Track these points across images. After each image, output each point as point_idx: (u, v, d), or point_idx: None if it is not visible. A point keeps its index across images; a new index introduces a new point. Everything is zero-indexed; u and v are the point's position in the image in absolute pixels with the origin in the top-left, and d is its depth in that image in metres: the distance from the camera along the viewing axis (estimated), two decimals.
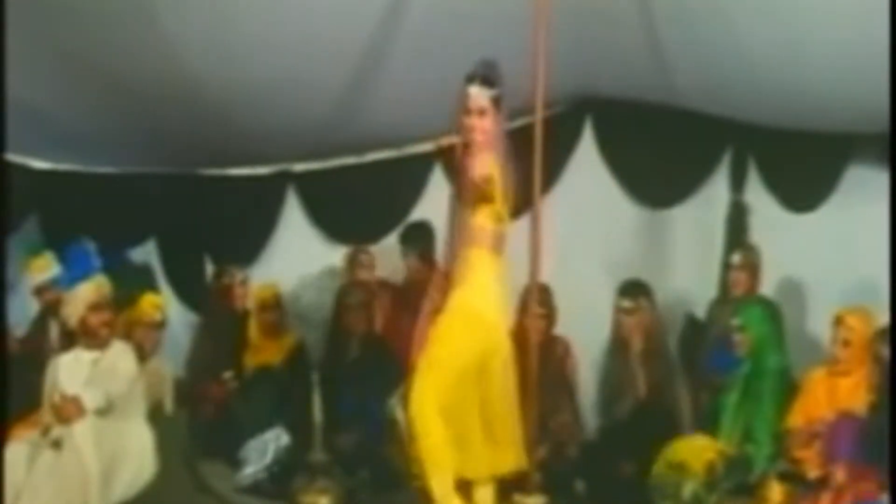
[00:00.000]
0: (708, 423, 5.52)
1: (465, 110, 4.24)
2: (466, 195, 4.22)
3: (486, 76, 4.24)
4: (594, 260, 6.41)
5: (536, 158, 4.75)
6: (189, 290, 7.31)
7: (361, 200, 6.97)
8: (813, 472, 5.01)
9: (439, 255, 4.72)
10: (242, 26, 5.26)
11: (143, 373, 5.45)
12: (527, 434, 4.47)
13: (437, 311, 4.26)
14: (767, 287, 5.94)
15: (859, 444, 4.92)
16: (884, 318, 5.29)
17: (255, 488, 5.77)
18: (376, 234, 7.01)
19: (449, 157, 4.65)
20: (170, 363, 6.07)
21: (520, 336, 4.73)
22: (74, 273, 5.53)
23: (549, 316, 5.99)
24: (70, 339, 5.41)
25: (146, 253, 7.41)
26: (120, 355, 5.33)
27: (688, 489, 5.08)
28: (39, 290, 6.07)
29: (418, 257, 6.43)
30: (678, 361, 6.14)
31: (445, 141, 4.62)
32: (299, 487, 5.50)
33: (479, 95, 4.22)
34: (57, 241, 6.36)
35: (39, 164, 7.01)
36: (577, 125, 6.62)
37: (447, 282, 4.30)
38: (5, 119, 5.31)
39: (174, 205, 7.22)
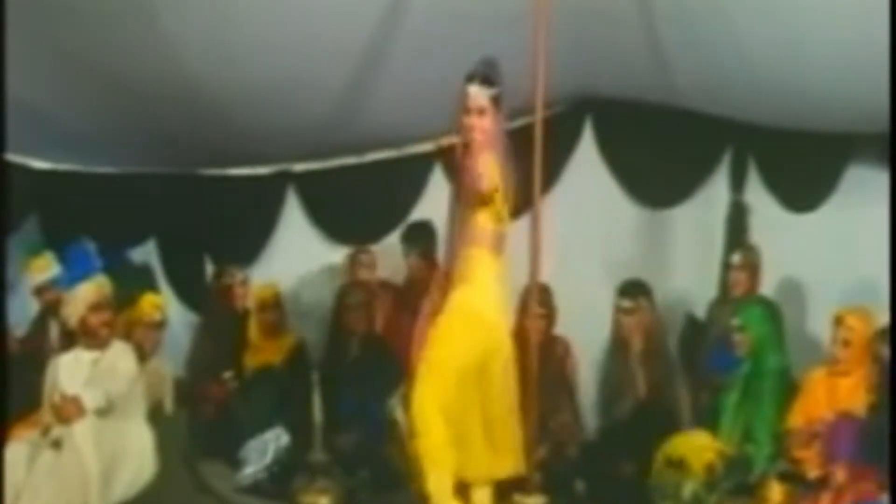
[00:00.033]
0: (708, 423, 5.51)
1: (465, 109, 4.24)
2: (467, 197, 4.22)
3: (486, 75, 4.24)
4: (594, 260, 6.40)
5: (536, 158, 4.75)
6: (189, 290, 7.31)
7: (361, 200, 6.97)
8: (813, 472, 5.01)
9: (441, 255, 4.72)
10: (242, 26, 5.26)
11: (143, 373, 5.45)
12: (527, 434, 4.47)
13: (438, 311, 4.26)
14: (767, 287, 5.94)
15: (859, 444, 4.92)
16: (884, 318, 5.29)
17: (255, 488, 5.76)
18: (376, 234, 7.00)
19: (449, 157, 4.65)
20: (170, 363, 6.06)
21: (520, 336, 4.73)
22: (74, 273, 5.53)
23: (549, 316, 5.99)
24: (70, 339, 5.41)
25: (146, 253, 7.40)
26: (120, 355, 5.33)
27: (688, 489, 5.08)
28: (39, 290, 6.07)
29: (420, 256, 6.42)
30: (678, 361, 6.14)
31: (445, 141, 4.63)
32: (299, 487, 5.50)
33: (478, 95, 4.22)
34: (57, 241, 6.36)
35: (39, 164, 7.01)
36: (577, 125, 6.62)
37: (448, 282, 4.30)
38: (5, 119, 5.31)
39: (174, 205, 7.22)
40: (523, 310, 5.30)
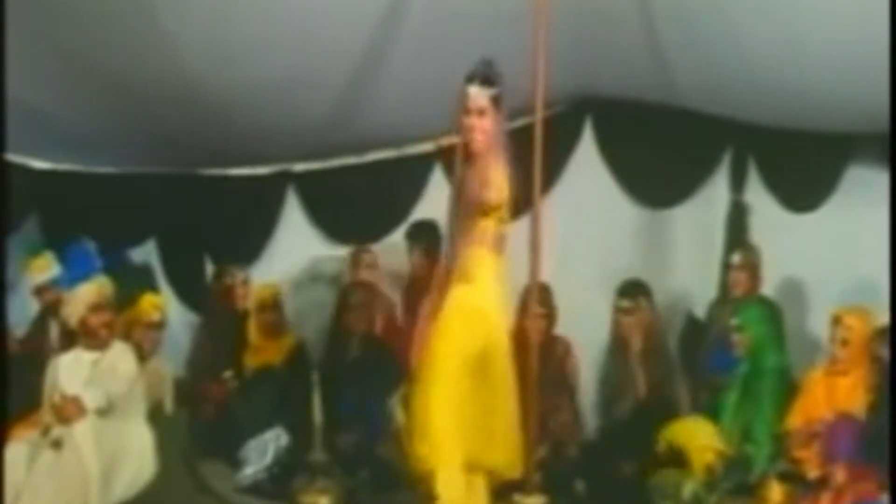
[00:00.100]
0: None
1: (465, 110, 4.23)
2: (470, 202, 4.21)
3: (486, 76, 4.23)
4: (594, 260, 6.40)
5: (536, 158, 4.74)
6: (189, 290, 7.31)
7: (361, 200, 6.97)
8: (813, 473, 5.01)
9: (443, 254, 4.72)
10: (242, 26, 5.26)
11: (143, 373, 5.46)
12: (527, 434, 4.46)
13: (438, 310, 4.26)
14: (767, 287, 5.94)
15: (858, 444, 4.92)
16: (884, 318, 5.29)
17: (255, 488, 5.77)
18: (376, 234, 7.01)
19: (449, 157, 4.64)
20: (170, 363, 6.06)
21: (520, 336, 4.73)
22: (75, 273, 5.54)
23: (550, 316, 5.99)
24: (70, 340, 5.41)
25: (146, 253, 7.41)
26: (120, 355, 5.33)
27: (688, 489, 5.08)
28: (39, 290, 6.07)
29: (423, 255, 6.42)
30: (678, 361, 6.14)
31: (445, 141, 4.63)
32: (299, 487, 5.50)
33: (478, 95, 4.22)
34: (57, 241, 6.37)
35: (39, 164, 7.01)
36: (577, 125, 6.62)
37: (448, 281, 4.30)
38: (5, 119, 5.31)
39: (174, 205, 7.22)
40: (523, 310, 5.30)
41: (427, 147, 6.73)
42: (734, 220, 6.28)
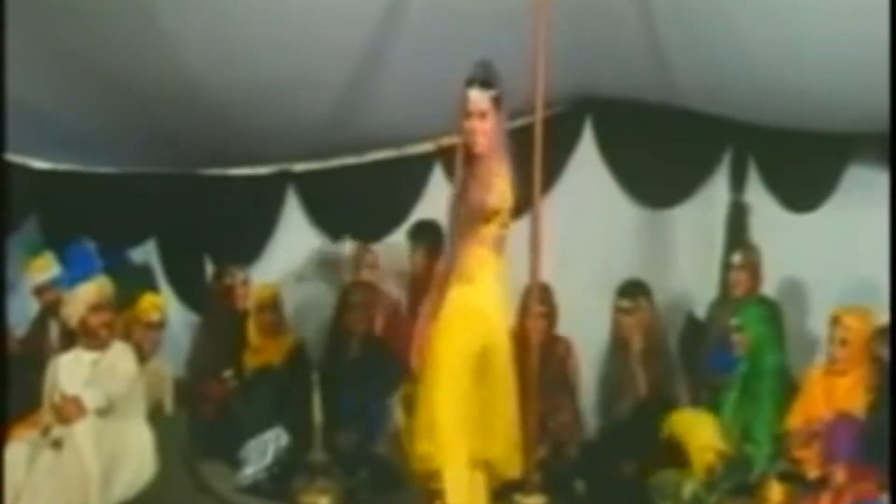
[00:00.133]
0: None
1: (466, 114, 4.22)
2: (471, 205, 4.20)
3: (485, 78, 4.22)
4: (594, 260, 6.40)
5: (536, 158, 4.74)
6: (189, 290, 7.31)
7: (361, 200, 6.97)
8: (813, 472, 5.01)
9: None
10: (242, 26, 5.26)
11: (143, 373, 5.46)
12: (527, 434, 4.46)
13: (438, 310, 4.26)
14: (767, 287, 5.94)
15: (858, 444, 4.92)
16: (883, 318, 5.29)
17: (255, 488, 5.77)
18: (376, 234, 7.01)
19: (449, 157, 4.64)
20: (170, 363, 6.07)
21: (521, 336, 4.73)
22: (75, 273, 5.53)
23: (550, 315, 5.99)
24: (70, 340, 5.41)
25: (146, 253, 7.41)
26: (120, 355, 5.33)
27: (688, 489, 5.09)
28: (39, 290, 6.06)
29: (425, 254, 6.42)
30: (678, 361, 6.14)
31: (445, 141, 4.62)
32: (299, 487, 5.51)
33: (479, 98, 4.20)
34: (57, 241, 6.36)
35: (39, 164, 7.01)
36: (577, 125, 6.62)
37: (448, 281, 4.30)
38: (5, 119, 5.31)
39: (174, 205, 7.22)
40: (524, 310, 5.30)
41: (427, 147, 6.73)
42: (734, 220, 6.28)
